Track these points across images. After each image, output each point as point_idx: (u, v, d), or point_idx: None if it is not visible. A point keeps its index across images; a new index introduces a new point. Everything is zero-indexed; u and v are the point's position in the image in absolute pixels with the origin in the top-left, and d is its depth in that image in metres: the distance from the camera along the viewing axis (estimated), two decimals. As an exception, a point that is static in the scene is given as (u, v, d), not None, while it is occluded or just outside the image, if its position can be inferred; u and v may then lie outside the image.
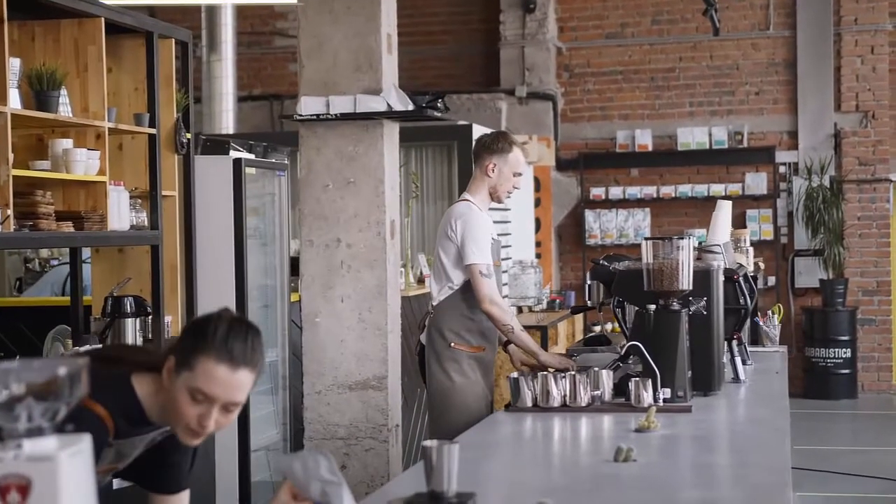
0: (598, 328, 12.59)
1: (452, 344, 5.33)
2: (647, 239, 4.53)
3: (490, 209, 5.35)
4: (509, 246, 10.69)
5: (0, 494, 1.71)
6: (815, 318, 12.57)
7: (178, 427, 2.69)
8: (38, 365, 1.79)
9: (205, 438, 2.70)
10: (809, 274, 12.79)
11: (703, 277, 4.61)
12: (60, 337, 5.94)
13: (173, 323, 5.91)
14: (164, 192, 5.81)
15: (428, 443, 2.75)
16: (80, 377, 1.80)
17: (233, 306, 6.39)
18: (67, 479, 1.74)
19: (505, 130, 5.81)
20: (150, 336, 5.69)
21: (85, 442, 1.80)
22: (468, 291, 5.29)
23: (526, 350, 5.32)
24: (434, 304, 5.46)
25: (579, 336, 11.39)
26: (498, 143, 5.44)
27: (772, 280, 12.75)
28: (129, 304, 5.52)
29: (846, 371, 12.48)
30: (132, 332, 5.50)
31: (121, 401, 2.70)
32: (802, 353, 12.69)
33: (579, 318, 11.38)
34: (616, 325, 12.60)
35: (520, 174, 5.47)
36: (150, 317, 5.66)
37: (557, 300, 11.24)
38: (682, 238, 4.50)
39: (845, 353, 12.45)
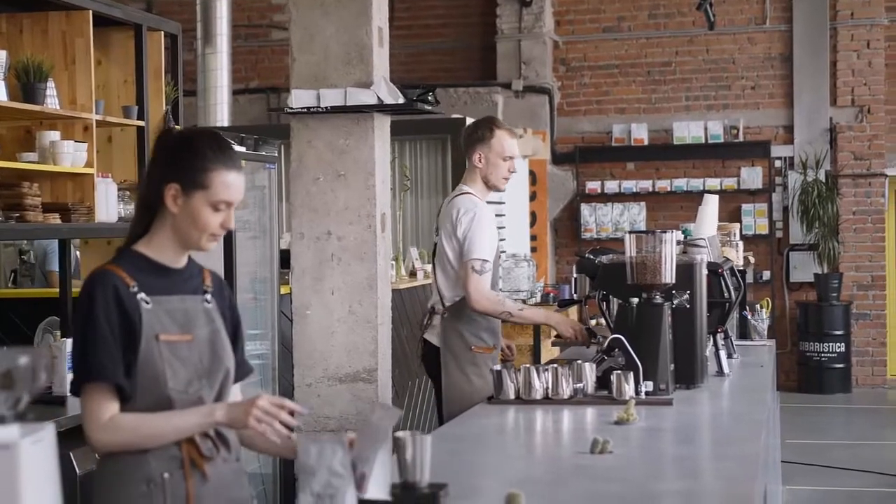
0: (594, 321, 12.61)
1: (473, 347, 5.25)
2: (630, 232, 4.54)
3: (487, 201, 5.33)
4: (504, 239, 10.71)
5: (-40, 482, 1.73)
6: (809, 313, 12.59)
7: (200, 240, 2.91)
8: (-1, 354, 1.81)
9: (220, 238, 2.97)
10: (804, 268, 12.80)
11: (686, 271, 4.62)
12: (51, 328, 5.96)
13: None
14: (153, 185, 5.82)
15: (401, 434, 2.77)
16: (41, 367, 1.82)
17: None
18: (28, 466, 1.76)
19: (490, 116, 5.66)
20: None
21: (47, 430, 1.82)
22: None
23: (539, 324, 5.19)
24: (447, 303, 5.31)
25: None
26: (478, 131, 5.37)
27: (766, 274, 12.77)
28: (116, 296, 5.52)
29: (840, 365, 12.51)
30: (120, 323, 5.51)
31: (128, 259, 2.91)
32: (797, 347, 12.71)
33: (574, 311, 11.39)
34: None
35: (510, 157, 5.34)
36: (138, 308, 5.67)
37: (552, 293, 11.25)
38: (666, 232, 4.51)
39: (839, 347, 12.47)
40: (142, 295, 2.87)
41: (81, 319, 2.85)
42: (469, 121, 9.92)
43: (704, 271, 4.79)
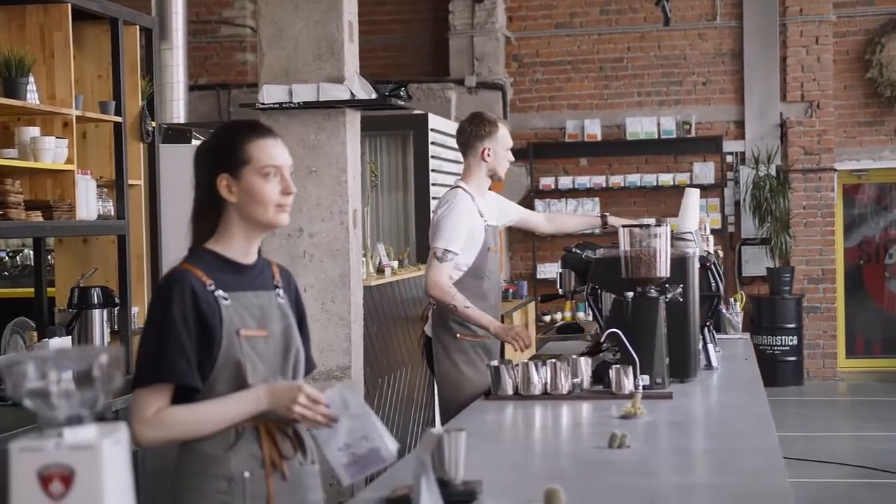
0: (547, 318, 12.64)
1: (458, 335, 5.31)
2: (624, 226, 4.54)
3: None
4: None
5: (43, 484, 1.68)
6: (762, 306, 12.70)
7: (267, 214, 2.90)
8: (76, 353, 1.76)
9: (289, 209, 2.95)
10: (756, 262, 12.92)
11: (679, 264, 4.63)
12: (20, 329, 5.83)
13: (140, 314, 5.83)
14: (129, 182, 5.73)
15: (435, 430, 2.74)
16: (118, 365, 1.77)
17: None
18: (110, 467, 1.71)
19: (479, 112, 5.79)
20: (116, 327, 5.60)
21: (123, 430, 1.77)
22: (468, 280, 5.26)
23: (479, 326, 5.27)
24: None
25: (532, 325, 11.43)
26: (485, 127, 5.47)
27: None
28: (96, 295, 5.43)
29: (792, 358, 12.63)
30: (99, 323, 5.41)
31: (201, 258, 2.91)
32: (750, 340, 12.79)
33: (531, 307, 11.42)
34: (570, 313, 12.64)
35: (510, 147, 5.58)
36: (117, 308, 5.58)
37: (510, 290, 11.27)
38: (660, 225, 4.51)
39: (792, 340, 12.60)
40: (220, 292, 2.86)
41: (156, 319, 2.83)
42: (431, 117, 9.91)
43: (697, 264, 4.80)
